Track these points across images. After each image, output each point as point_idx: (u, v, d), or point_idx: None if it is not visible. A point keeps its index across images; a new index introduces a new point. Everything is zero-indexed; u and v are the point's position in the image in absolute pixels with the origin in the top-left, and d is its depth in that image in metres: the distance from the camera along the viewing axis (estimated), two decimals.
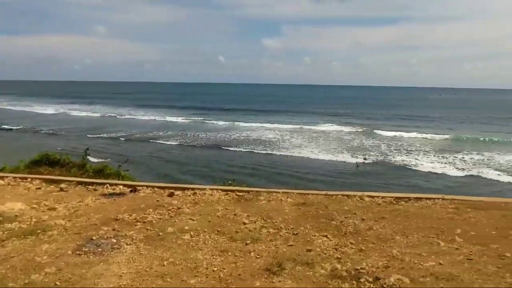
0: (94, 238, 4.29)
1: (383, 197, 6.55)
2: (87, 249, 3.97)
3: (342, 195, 6.82)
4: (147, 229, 4.57)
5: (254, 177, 23.49)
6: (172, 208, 5.64)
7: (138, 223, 4.83)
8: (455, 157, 30.54)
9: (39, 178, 7.96)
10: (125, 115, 66.87)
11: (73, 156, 15.44)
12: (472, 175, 24.85)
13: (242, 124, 55.83)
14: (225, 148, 36.44)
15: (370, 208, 5.90)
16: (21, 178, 8.02)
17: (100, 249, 3.96)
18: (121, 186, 7.40)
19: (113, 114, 67.27)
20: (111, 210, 5.48)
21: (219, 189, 7.23)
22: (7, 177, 8.07)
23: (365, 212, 5.64)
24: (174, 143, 39.29)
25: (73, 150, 32.02)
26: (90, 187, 7.34)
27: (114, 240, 4.22)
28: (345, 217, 5.35)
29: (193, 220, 4.99)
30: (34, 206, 5.68)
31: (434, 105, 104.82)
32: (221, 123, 57.62)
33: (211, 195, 6.86)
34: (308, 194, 7.01)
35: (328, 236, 4.59)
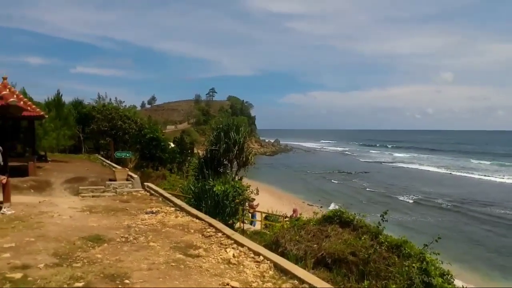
0: None
1: None
2: None
3: None
4: None
5: None
6: None
7: None
8: None
9: (271, 261, 5.21)
10: (468, 171, 57.04)
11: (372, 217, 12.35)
12: None
13: None
14: None
15: None
16: (255, 253, 5.56)
17: None
18: None
19: (448, 171, 58.50)
20: None
21: None
22: (243, 246, 5.85)
23: None
24: None
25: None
26: None
27: None
28: None
29: None
30: None
31: None
32: None
33: None
34: None
35: None
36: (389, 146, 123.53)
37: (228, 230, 6.81)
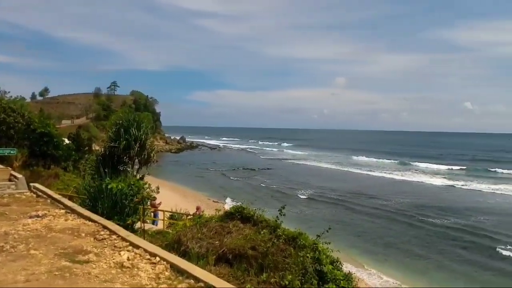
0: None
1: None
2: None
3: None
4: None
5: None
6: None
7: None
8: None
9: (168, 262, 5.10)
10: (358, 167, 62.99)
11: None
12: None
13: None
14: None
15: None
16: (151, 254, 5.38)
17: None
18: None
19: (340, 167, 64.26)
20: None
21: None
22: (139, 248, 5.62)
23: None
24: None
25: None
26: None
27: None
28: None
29: None
30: None
31: None
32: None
33: None
34: None
35: None
36: (289, 144, 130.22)
37: (123, 232, 6.48)
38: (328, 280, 8.31)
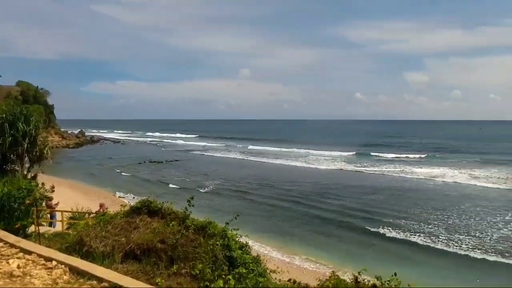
0: None
1: None
2: None
3: None
4: None
5: None
6: None
7: None
8: None
9: (66, 265, 4.75)
10: (257, 157, 65.21)
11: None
12: None
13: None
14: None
15: None
16: (46, 259, 4.95)
17: None
18: None
19: (243, 157, 65.70)
20: None
21: None
22: (31, 254, 5.13)
23: None
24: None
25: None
26: None
27: None
28: None
29: None
30: None
31: None
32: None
33: None
34: None
35: None
36: (196, 135, 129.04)
37: (12, 238, 5.83)
38: (238, 264, 8.54)
